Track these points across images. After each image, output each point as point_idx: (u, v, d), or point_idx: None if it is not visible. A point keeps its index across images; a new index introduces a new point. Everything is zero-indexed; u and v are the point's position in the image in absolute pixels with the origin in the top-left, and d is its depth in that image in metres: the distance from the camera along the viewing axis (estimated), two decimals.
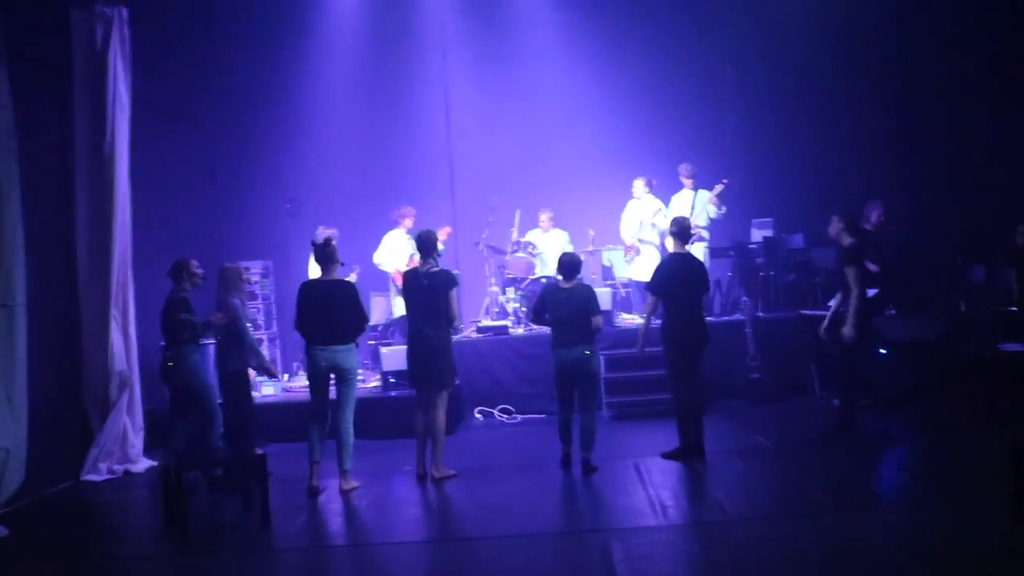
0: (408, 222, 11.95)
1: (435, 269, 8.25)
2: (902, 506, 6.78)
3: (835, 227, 8.99)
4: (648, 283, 9.06)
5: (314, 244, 8.17)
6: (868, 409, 9.51)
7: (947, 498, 6.70)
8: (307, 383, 8.08)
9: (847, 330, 8.55)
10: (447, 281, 8.21)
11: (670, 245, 9.06)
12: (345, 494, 7.77)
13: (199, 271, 8.49)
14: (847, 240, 8.83)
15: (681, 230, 8.57)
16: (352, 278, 11.03)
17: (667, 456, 8.32)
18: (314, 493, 7.74)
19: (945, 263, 11.25)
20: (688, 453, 8.25)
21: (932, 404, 9.64)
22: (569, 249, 12.46)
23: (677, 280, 8.33)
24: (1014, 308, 10.55)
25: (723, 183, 11.88)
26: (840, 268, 8.82)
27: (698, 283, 8.39)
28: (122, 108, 9.49)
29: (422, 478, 8.22)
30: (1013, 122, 11.73)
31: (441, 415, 8.22)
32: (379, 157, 13.73)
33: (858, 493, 7.06)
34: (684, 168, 12.12)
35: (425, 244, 8.36)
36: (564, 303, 8.23)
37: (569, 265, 8.36)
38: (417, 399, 8.40)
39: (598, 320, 8.18)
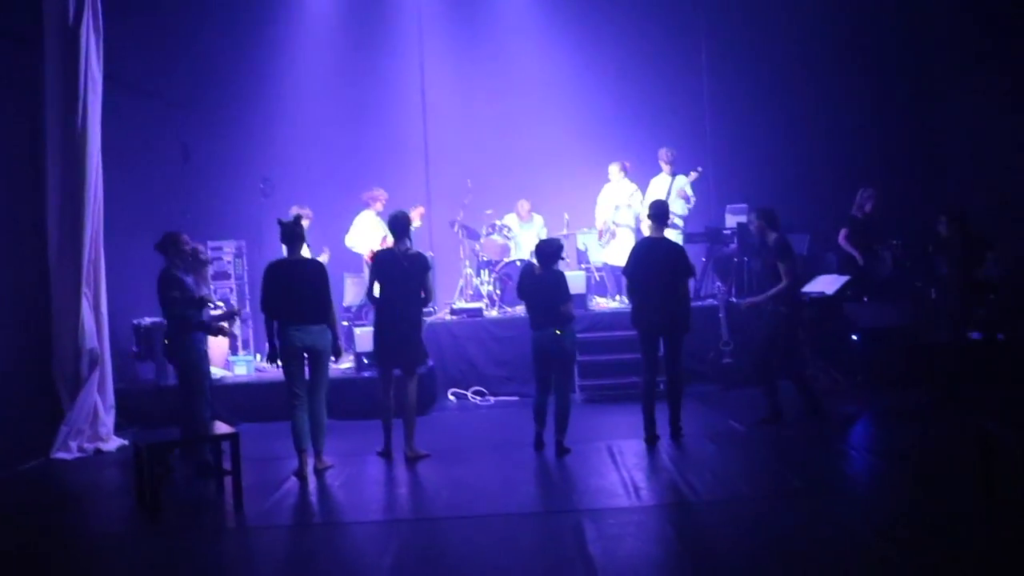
0: (379, 204, 11.89)
1: (412, 251, 8.22)
2: (873, 488, 6.84)
3: (755, 225, 9.08)
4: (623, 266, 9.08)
5: (281, 223, 8.05)
6: (841, 393, 9.62)
7: (917, 480, 6.77)
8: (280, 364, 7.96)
9: (755, 300, 8.90)
10: (423, 263, 8.24)
11: (646, 229, 9.09)
12: (319, 473, 7.76)
13: (188, 247, 8.17)
14: (772, 236, 8.87)
15: (658, 214, 8.57)
16: (323, 259, 11.00)
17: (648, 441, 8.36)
18: (303, 479, 7.70)
19: (917, 252, 11.32)
20: (652, 438, 8.29)
21: (902, 389, 9.72)
22: (544, 234, 12.51)
23: (644, 264, 8.35)
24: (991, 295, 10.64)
25: (698, 170, 11.92)
26: (773, 263, 8.83)
27: (669, 268, 8.30)
28: (94, 84, 9.39)
29: (389, 457, 8.24)
30: (988, 110, 11.80)
31: (413, 394, 8.25)
32: (354, 138, 13.68)
33: (830, 476, 7.11)
34: (664, 153, 12.16)
35: (400, 225, 8.32)
36: (537, 287, 8.24)
37: (543, 254, 8.32)
38: (383, 379, 8.38)
39: (566, 308, 8.14)
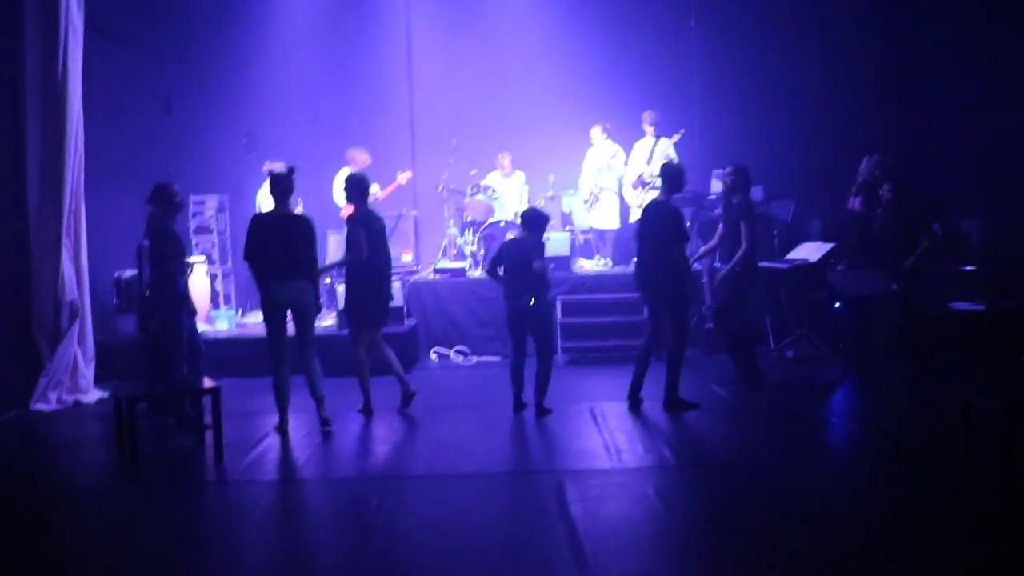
0: (355, 166, 11.73)
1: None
2: (854, 455, 6.88)
3: (727, 182, 9.14)
4: None
5: (274, 175, 7.94)
6: (823, 360, 9.67)
7: (898, 448, 6.81)
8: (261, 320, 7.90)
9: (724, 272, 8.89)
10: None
11: (628, 191, 9.06)
12: (325, 422, 7.80)
13: (179, 198, 8.09)
14: (737, 197, 8.87)
15: (662, 175, 8.53)
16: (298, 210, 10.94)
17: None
18: (284, 434, 7.68)
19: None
20: (634, 403, 8.30)
21: (885, 358, 9.76)
22: (526, 191, 12.47)
23: (644, 228, 8.30)
24: (970, 267, 10.68)
25: (680, 132, 11.86)
26: (736, 223, 8.84)
27: (666, 231, 8.13)
28: (75, 32, 9.25)
29: (371, 414, 8.27)
30: (978, 84, 11.78)
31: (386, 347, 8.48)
32: (339, 95, 13.54)
33: (811, 443, 7.15)
34: (647, 115, 12.07)
35: (363, 186, 8.35)
36: (512, 253, 8.24)
37: (529, 219, 8.30)
38: (355, 337, 8.35)
39: (538, 264, 8.01)
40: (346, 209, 11.56)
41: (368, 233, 8.14)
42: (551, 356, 8.35)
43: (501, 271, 8.33)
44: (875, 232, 10.03)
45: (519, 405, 8.24)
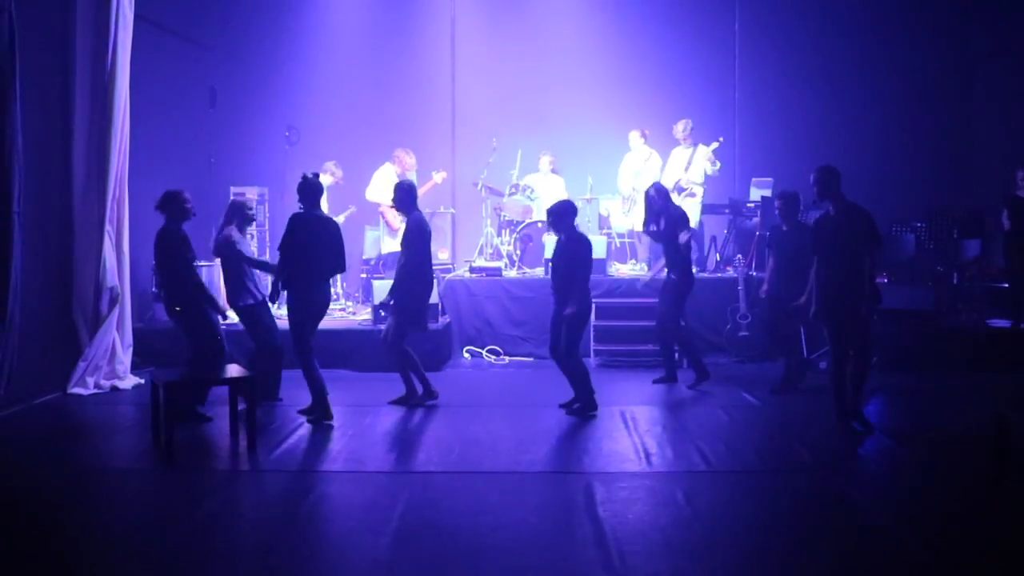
0: (400, 166, 11.81)
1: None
2: (882, 468, 6.83)
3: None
4: None
5: (306, 177, 8.07)
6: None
7: (929, 462, 6.77)
8: (305, 319, 7.88)
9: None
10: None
11: None
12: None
13: (189, 205, 8.08)
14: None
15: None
16: (341, 219, 11.16)
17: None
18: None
19: (942, 236, 11.23)
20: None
21: (919, 372, 9.69)
22: (565, 196, 12.45)
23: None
24: (1006, 285, 10.59)
25: (719, 140, 11.81)
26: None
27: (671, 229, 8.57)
28: (125, 22, 9.36)
29: (435, 396, 8.50)
30: (1019, 98, 11.68)
31: None
32: (381, 93, 13.65)
33: (841, 454, 7.11)
34: (680, 127, 11.98)
35: (414, 193, 8.53)
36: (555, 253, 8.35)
37: (551, 213, 8.33)
38: (405, 335, 8.43)
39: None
40: (385, 207, 11.67)
41: (424, 237, 8.35)
42: (575, 352, 8.30)
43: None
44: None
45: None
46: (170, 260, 7.94)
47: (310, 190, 7.98)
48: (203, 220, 12.05)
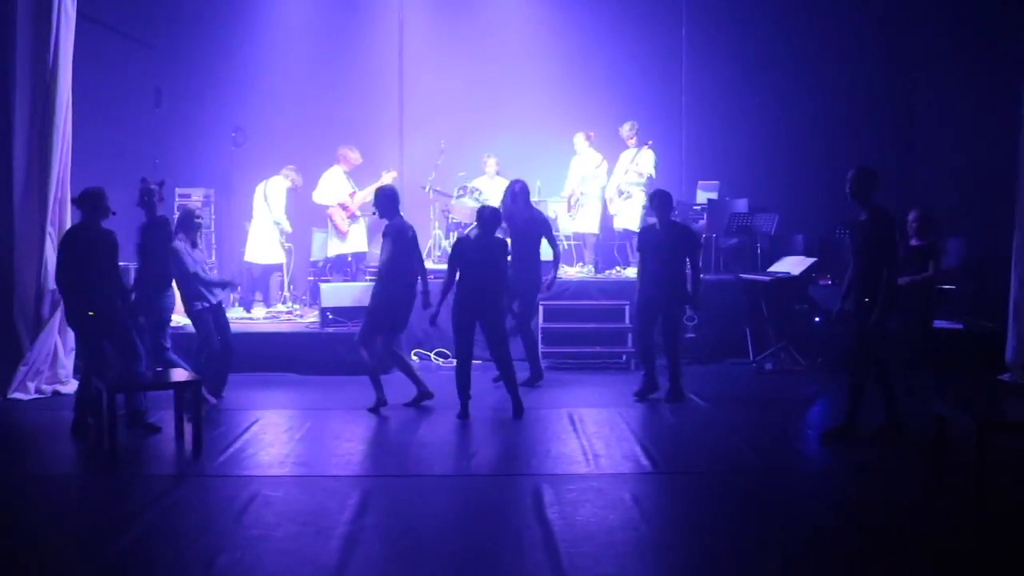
0: (347, 165, 11.83)
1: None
2: (829, 469, 6.93)
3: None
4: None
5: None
6: (801, 374, 9.75)
7: (874, 462, 6.87)
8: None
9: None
10: None
11: (611, 200, 9.11)
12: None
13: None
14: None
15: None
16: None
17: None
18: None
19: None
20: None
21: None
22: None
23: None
24: (951, 287, 10.79)
25: (649, 143, 11.84)
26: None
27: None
28: (67, 20, 9.21)
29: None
30: (962, 102, 11.89)
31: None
32: (329, 94, 13.52)
33: (787, 455, 7.20)
34: (624, 128, 12.02)
35: (395, 198, 8.70)
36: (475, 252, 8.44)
37: (484, 219, 8.44)
38: (369, 339, 8.52)
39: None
40: (334, 209, 11.63)
41: (402, 242, 8.46)
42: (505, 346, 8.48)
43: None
44: None
45: (465, 414, 8.23)
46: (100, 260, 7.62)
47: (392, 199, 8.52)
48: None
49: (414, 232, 8.63)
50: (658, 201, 8.93)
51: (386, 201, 8.59)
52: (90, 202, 7.54)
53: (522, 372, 9.11)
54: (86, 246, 7.50)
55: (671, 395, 8.80)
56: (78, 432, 7.64)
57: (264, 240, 11.89)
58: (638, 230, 11.86)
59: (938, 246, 9.04)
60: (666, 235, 8.84)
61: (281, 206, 11.79)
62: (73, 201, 7.91)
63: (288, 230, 11.92)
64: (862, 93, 13.18)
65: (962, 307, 10.74)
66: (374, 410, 8.38)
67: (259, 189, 11.87)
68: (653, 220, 9.17)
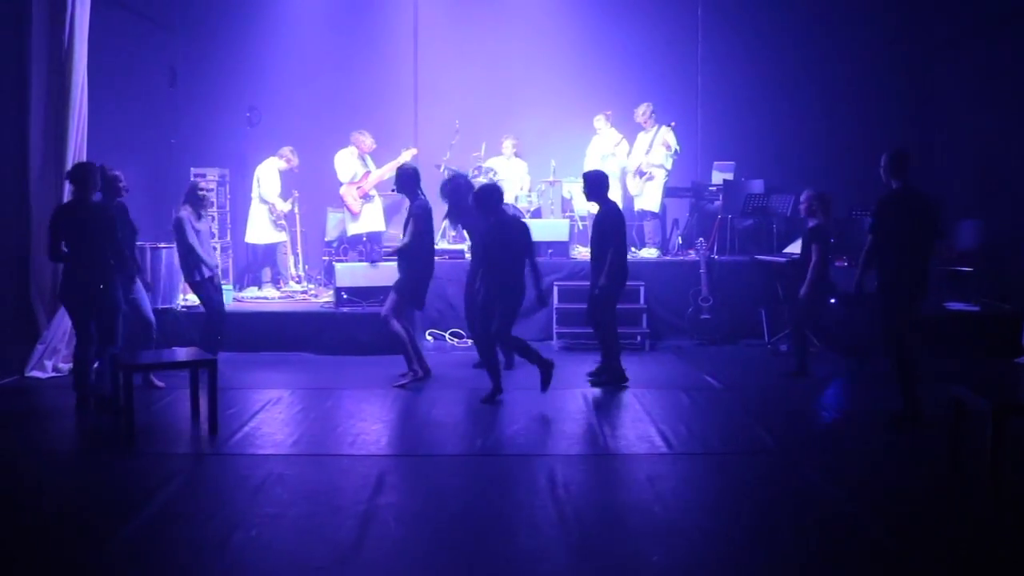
0: (358, 148, 11.82)
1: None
2: (843, 451, 6.91)
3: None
4: None
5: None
6: (817, 356, 9.73)
7: (888, 445, 6.85)
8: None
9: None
10: None
11: (630, 179, 8.99)
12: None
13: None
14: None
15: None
16: (288, 205, 11.96)
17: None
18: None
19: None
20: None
21: (877, 356, 9.79)
22: (527, 181, 12.47)
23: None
24: (966, 269, 10.75)
25: (672, 124, 11.83)
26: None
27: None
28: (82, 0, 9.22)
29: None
30: (980, 84, 11.80)
31: None
32: (344, 73, 13.51)
33: (802, 437, 7.18)
34: (639, 111, 11.99)
35: (417, 178, 8.81)
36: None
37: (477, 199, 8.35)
38: (401, 312, 8.78)
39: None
40: (346, 189, 11.64)
41: (428, 220, 8.71)
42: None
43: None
44: None
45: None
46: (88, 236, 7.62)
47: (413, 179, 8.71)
48: (163, 201, 12.01)
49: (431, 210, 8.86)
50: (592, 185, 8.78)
51: (408, 181, 8.74)
52: (79, 178, 7.58)
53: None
54: (72, 222, 7.55)
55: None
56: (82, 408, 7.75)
57: (256, 220, 11.95)
58: (658, 211, 11.89)
59: (825, 229, 9.03)
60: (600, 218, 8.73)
61: (271, 187, 11.82)
62: (66, 176, 8.01)
63: (282, 209, 11.93)
64: (879, 73, 13.11)
65: (979, 290, 10.69)
66: (415, 381, 8.71)
67: (256, 171, 11.93)
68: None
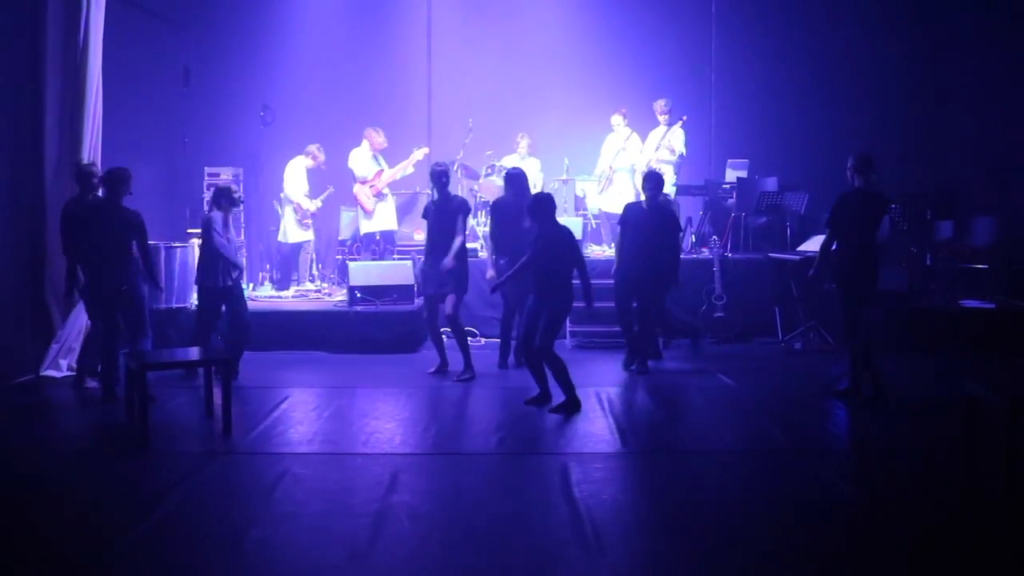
0: (371, 144, 11.83)
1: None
2: (858, 449, 6.89)
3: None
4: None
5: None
6: (832, 353, 9.70)
7: (903, 443, 6.83)
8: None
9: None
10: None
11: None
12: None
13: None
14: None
15: None
16: (319, 203, 11.96)
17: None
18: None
19: (915, 217, 11.29)
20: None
21: (891, 353, 9.75)
22: (541, 179, 12.47)
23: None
24: (982, 266, 10.71)
25: (683, 119, 11.82)
26: None
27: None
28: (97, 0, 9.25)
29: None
30: (995, 80, 11.75)
31: None
32: (358, 72, 13.54)
33: (815, 434, 7.16)
34: (658, 104, 12.00)
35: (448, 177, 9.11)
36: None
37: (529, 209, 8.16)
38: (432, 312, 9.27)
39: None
40: (359, 187, 11.65)
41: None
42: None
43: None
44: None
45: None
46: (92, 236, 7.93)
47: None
48: (177, 200, 12.06)
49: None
50: (652, 182, 9.11)
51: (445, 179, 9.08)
52: (81, 179, 8.01)
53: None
54: (74, 222, 7.88)
55: (641, 366, 9.12)
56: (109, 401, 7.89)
57: (286, 220, 11.97)
58: None
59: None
60: (651, 215, 9.03)
61: (297, 185, 11.83)
62: (98, 180, 8.20)
63: (308, 209, 11.93)
64: (894, 70, 13.05)
65: (994, 287, 10.64)
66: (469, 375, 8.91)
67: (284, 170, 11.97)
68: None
